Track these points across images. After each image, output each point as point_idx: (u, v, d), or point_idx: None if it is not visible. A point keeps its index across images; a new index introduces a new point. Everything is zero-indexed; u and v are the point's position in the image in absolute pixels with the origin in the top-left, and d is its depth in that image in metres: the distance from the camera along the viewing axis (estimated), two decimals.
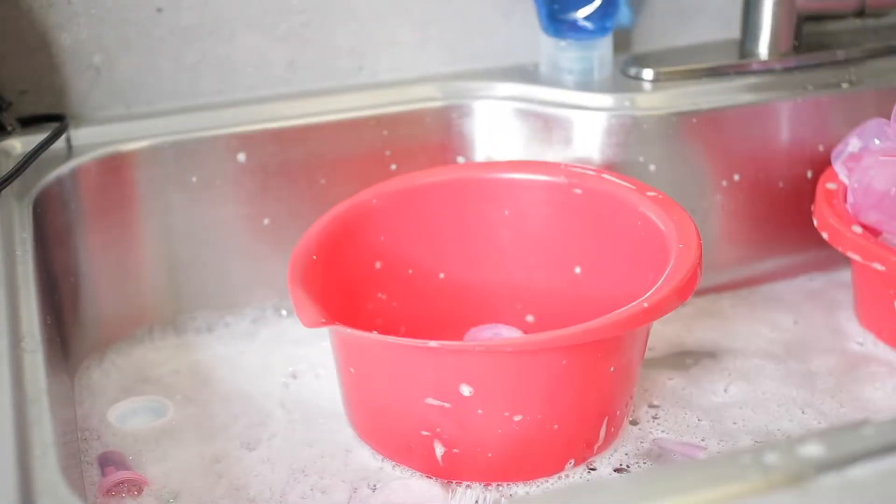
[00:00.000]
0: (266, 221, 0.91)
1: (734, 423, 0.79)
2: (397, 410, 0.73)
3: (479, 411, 0.69)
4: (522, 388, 0.69)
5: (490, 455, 0.71)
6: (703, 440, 0.77)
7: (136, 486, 0.74)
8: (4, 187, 0.77)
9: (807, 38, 0.98)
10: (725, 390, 0.83)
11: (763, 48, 0.97)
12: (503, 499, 0.71)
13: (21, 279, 0.69)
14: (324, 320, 0.69)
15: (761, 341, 0.89)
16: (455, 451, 0.71)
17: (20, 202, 0.78)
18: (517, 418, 0.70)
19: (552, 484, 0.72)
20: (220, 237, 0.90)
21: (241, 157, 0.89)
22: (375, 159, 0.92)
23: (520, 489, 0.72)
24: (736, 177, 0.93)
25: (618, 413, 0.75)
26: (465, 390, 0.68)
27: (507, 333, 0.85)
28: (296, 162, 0.90)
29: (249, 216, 0.90)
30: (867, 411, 0.80)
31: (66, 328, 0.83)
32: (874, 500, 0.48)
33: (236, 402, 0.82)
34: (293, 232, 0.92)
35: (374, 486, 0.73)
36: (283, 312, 0.93)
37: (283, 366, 0.87)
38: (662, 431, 0.78)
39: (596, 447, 0.74)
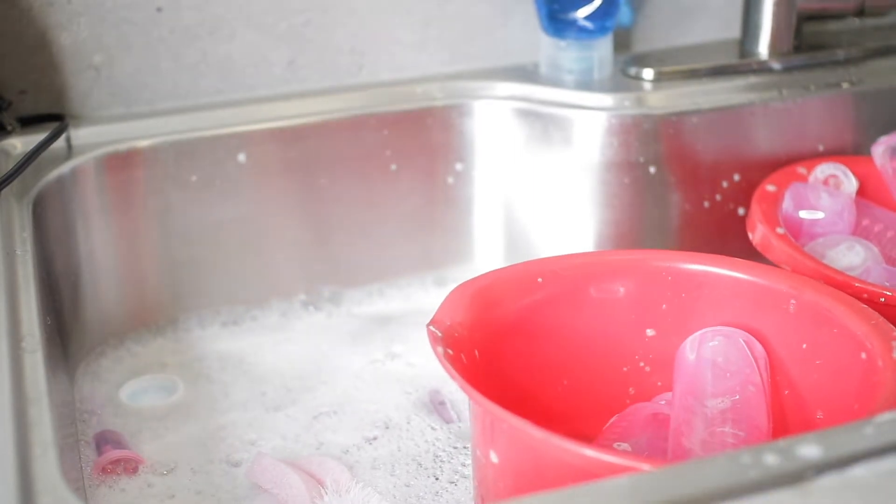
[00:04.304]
0: (266, 222, 0.91)
1: None
2: None
3: None
4: None
5: None
6: None
7: (132, 465, 0.74)
8: (4, 187, 0.77)
9: (807, 38, 0.98)
10: None
11: (763, 48, 0.97)
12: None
13: (21, 279, 0.69)
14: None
15: None
16: None
17: (20, 202, 0.78)
18: None
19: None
20: (219, 237, 0.90)
21: (242, 157, 0.89)
22: (375, 159, 0.92)
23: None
24: (736, 177, 0.93)
25: None
26: None
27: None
28: (296, 162, 0.90)
29: (249, 216, 0.90)
30: None
31: (66, 328, 0.83)
32: (874, 500, 0.48)
33: (236, 395, 0.83)
34: (293, 231, 0.92)
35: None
36: (302, 307, 0.93)
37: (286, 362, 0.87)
38: None
39: None
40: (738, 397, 0.68)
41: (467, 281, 0.70)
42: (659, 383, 0.74)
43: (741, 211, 0.94)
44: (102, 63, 0.88)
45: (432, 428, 0.79)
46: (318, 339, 0.90)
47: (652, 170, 0.91)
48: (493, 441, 0.62)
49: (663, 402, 0.73)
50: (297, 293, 0.93)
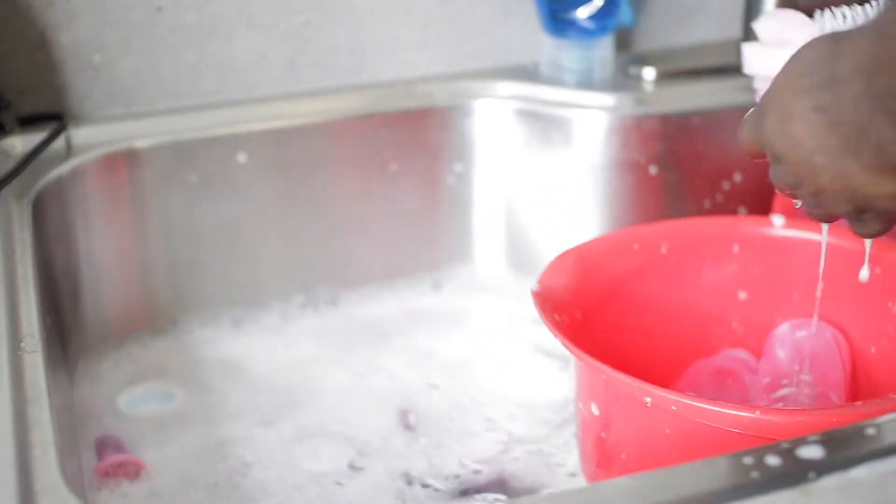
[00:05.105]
0: (266, 222, 0.91)
1: None
2: None
3: None
4: None
5: None
6: None
7: (134, 470, 0.74)
8: (4, 187, 0.77)
9: None
10: None
11: None
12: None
13: (21, 279, 0.69)
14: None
15: None
16: None
17: (20, 202, 0.78)
18: None
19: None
20: (220, 237, 0.90)
21: (242, 157, 0.89)
22: (375, 159, 0.92)
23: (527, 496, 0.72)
24: (737, 177, 0.93)
25: None
26: None
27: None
28: (296, 162, 0.90)
29: (249, 216, 0.90)
30: None
31: (66, 328, 0.83)
32: (876, 501, 0.48)
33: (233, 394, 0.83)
34: (292, 232, 0.92)
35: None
36: (301, 309, 0.93)
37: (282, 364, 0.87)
38: None
39: None
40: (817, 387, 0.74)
41: (567, 250, 0.75)
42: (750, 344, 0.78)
43: (742, 211, 0.94)
44: (102, 63, 0.88)
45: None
46: (317, 343, 0.90)
47: (653, 170, 0.91)
48: (593, 394, 0.68)
49: (729, 356, 0.78)
50: (297, 294, 0.93)
